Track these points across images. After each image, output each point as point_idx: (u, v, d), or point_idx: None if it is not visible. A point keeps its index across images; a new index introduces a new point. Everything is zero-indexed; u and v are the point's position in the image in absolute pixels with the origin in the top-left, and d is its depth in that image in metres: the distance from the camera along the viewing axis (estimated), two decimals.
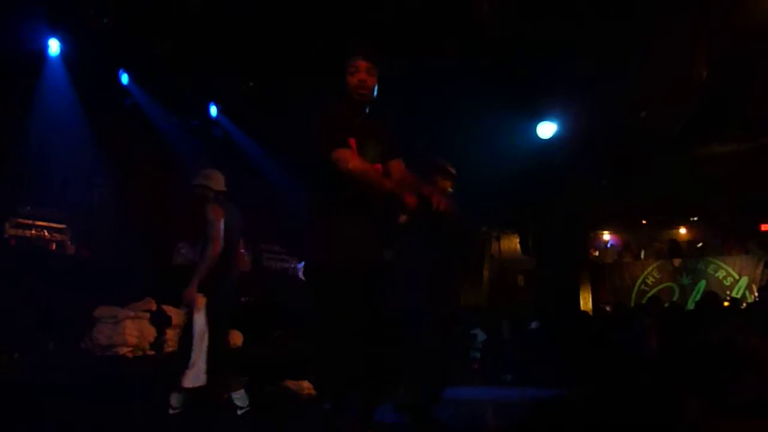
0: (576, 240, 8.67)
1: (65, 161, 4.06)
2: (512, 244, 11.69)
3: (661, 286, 11.19)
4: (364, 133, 2.83)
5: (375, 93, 2.85)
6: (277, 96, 7.31)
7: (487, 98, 5.38)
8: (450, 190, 4.00)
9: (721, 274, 10.79)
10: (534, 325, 7.61)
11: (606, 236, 13.23)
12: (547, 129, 7.53)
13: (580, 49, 5.80)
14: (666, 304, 7.79)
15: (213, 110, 7.38)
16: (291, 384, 6.00)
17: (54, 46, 5.76)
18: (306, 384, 6.05)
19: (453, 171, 4.08)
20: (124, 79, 6.42)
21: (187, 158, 6.97)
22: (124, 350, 4.80)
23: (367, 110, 2.90)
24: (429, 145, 5.88)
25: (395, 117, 3.01)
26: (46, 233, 4.72)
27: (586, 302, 8.20)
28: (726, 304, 8.49)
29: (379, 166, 2.84)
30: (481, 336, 7.60)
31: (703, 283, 10.74)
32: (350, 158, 2.69)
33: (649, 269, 11.53)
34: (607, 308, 9.22)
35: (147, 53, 6.35)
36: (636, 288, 11.42)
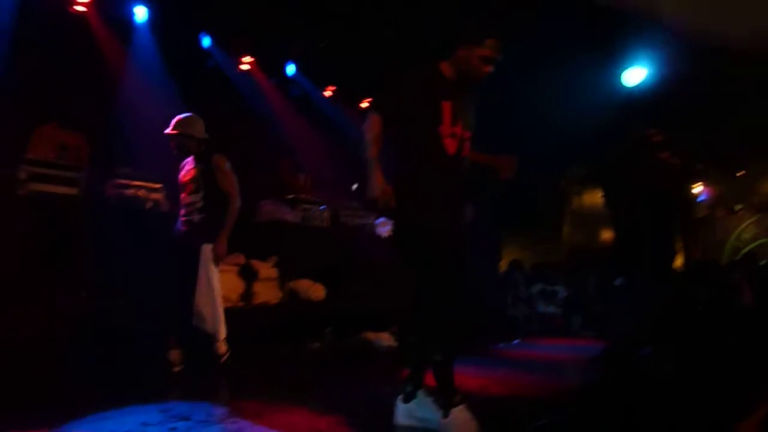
0: (665, 191, 8.24)
1: (157, 123, 4.26)
2: (594, 198, 11.29)
3: (758, 242, 10.51)
4: (465, 99, 2.86)
5: None
6: (352, 51, 7.31)
7: (568, 44, 5.09)
8: None
9: None
10: (619, 281, 7.39)
11: (697, 189, 12.50)
12: (633, 76, 7.12)
13: None
14: (763, 262, 7.33)
15: (290, 69, 7.48)
16: (371, 335, 6.19)
17: (140, 13, 6.00)
18: (386, 335, 6.23)
19: None
20: (206, 41, 6.62)
21: (266, 116, 7.17)
22: None
23: None
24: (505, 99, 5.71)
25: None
26: (143, 192, 5.04)
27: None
28: None
29: (469, 135, 2.85)
30: (562, 292, 7.49)
31: None
32: (368, 125, 2.75)
33: (745, 224, 10.83)
34: (697, 264, 8.80)
35: (225, 15, 6.50)
36: (729, 244, 10.79)
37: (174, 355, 3.99)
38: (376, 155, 2.71)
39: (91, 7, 5.66)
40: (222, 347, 4.13)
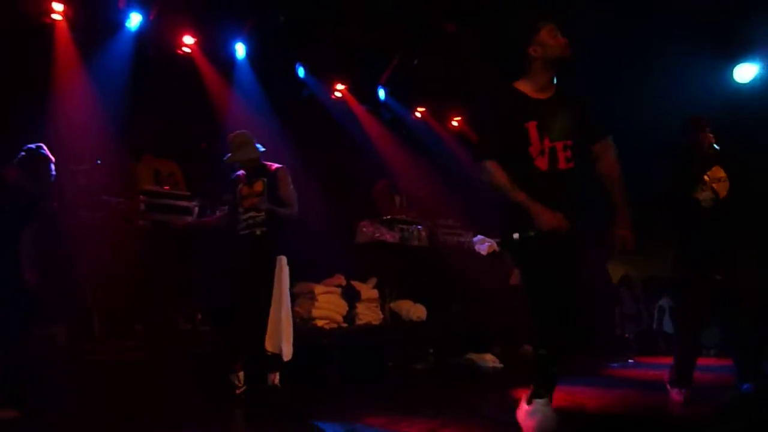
0: None
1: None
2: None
3: None
4: (552, 108, 2.81)
5: None
6: (441, 72, 7.33)
7: (676, 38, 4.77)
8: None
9: None
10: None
11: None
12: (746, 72, 6.61)
13: None
14: None
15: (381, 93, 7.59)
16: (475, 356, 6.06)
17: (240, 50, 6.33)
18: (490, 356, 6.07)
19: None
20: (300, 72, 6.86)
21: (361, 141, 7.30)
22: (321, 322, 5.19)
23: (555, 81, 2.87)
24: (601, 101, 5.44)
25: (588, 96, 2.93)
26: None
27: None
28: None
29: (570, 142, 2.79)
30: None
31: None
32: (492, 173, 2.75)
33: None
34: None
35: (317, 45, 6.73)
36: None
37: (238, 377, 3.91)
38: (523, 194, 2.69)
39: (195, 48, 6.03)
40: (276, 378, 3.94)
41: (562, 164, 2.76)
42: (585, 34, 2.74)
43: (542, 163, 2.74)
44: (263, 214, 4.00)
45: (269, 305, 3.90)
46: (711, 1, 4.45)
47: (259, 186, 4.08)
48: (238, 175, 4.23)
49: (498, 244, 6.13)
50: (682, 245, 3.97)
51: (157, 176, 5.38)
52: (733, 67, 6.61)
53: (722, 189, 3.85)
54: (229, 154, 4.17)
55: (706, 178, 3.86)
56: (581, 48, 2.74)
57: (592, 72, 2.78)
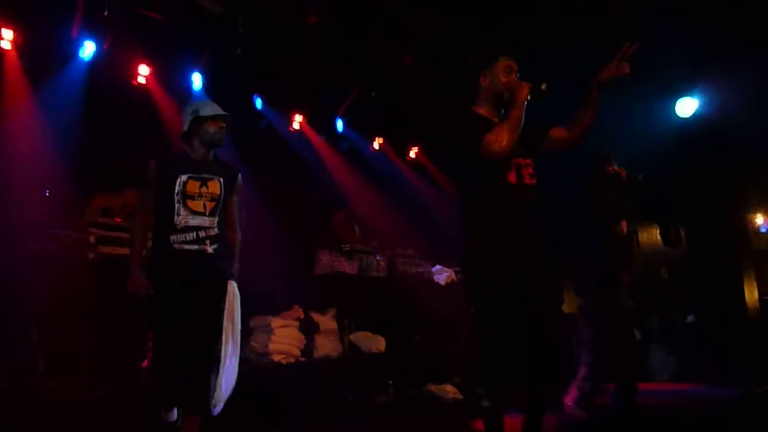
0: (730, 225, 7.91)
1: None
2: (651, 235, 10.91)
3: None
4: None
5: None
6: (398, 104, 7.45)
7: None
8: None
9: None
10: (690, 318, 7.05)
11: (759, 220, 11.94)
12: (686, 106, 6.96)
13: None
14: None
15: (339, 124, 7.65)
16: (434, 388, 6.03)
17: (197, 81, 6.29)
18: (449, 387, 6.04)
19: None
20: (258, 103, 6.86)
21: (319, 171, 7.32)
22: (278, 357, 5.09)
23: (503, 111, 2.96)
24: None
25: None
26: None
27: (749, 292, 7.43)
28: None
29: (530, 160, 2.91)
30: (636, 335, 7.15)
31: None
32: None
33: None
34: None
35: (275, 76, 6.76)
36: None
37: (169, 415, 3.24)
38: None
39: (151, 78, 5.97)
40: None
41: (527, 179, 2.87)
42: (534, 73, 2.84)
43: (512, 177, 2.84)
44: (217, 227, 3.28)
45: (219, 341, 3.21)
46: (652, 41, 4.76)
47: (215, 186, 3.32)
48: (177, 157, 3.42)
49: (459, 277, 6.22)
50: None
51: (107, 214, 5.06)
52: (675, 102, 6.96)
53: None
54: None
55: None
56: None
57: (536, 112, 2.88)
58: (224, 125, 3.38)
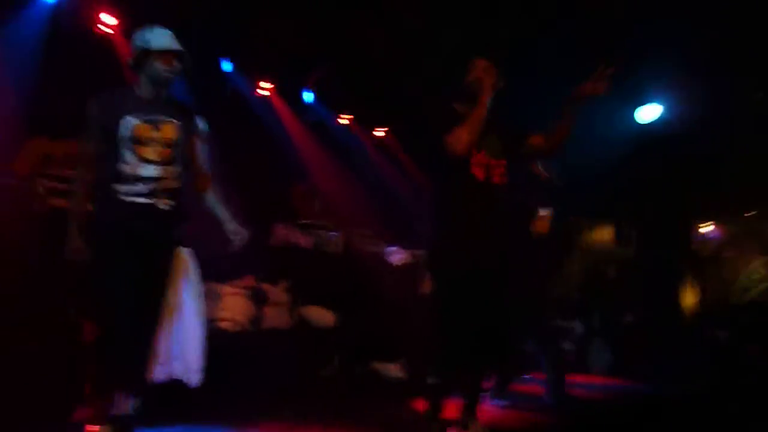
0: (677, 230, 8.22)
1: None
2: (604, 234, 11.24)
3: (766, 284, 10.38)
4: (485, 129, 2.96)
5: None
6: (368, 80, 7.40)
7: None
8: None
9: None
10: (629, 318, 7.34)
11: (705, 228, 12.43)
12: (647, 113, 7.16)
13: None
14: None
15: (308, 96, 7.56)
16: (379, 366, 6.12)
17: None
18: (394, 367, 6.15)
19: None
20: (226, 66, 6.71)
21: (283, 141, 7.24)
22: (225, 324, 5.08)
23: None
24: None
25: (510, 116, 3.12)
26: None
27: (688, 296, 7.78)
28: None
29: (504, 161, 3.01)
30: (579, 328, 7.41)
31: None
32: (455, 137, 2.83)
33: (754, 265, 10.71)
34: (706, 304, 8.73)
35: (245, 41, 6.61)
36: (738, 285, 10.65)
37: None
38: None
39: (117, 30, 5.76)
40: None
41: (495, 179, 2.98)
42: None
43: (479, 173, 2.94)
44: (178, 179, 2.88)
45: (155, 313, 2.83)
46: (615, 48, 4.91)
47: (169, 130, 2.87)
48: (124, 94, 2.90)
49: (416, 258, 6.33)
50: None
51: (47, 161, 4.65)
52: (635, 109, 7.15)
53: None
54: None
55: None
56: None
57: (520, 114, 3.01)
58: (177, 63, 2.89)
